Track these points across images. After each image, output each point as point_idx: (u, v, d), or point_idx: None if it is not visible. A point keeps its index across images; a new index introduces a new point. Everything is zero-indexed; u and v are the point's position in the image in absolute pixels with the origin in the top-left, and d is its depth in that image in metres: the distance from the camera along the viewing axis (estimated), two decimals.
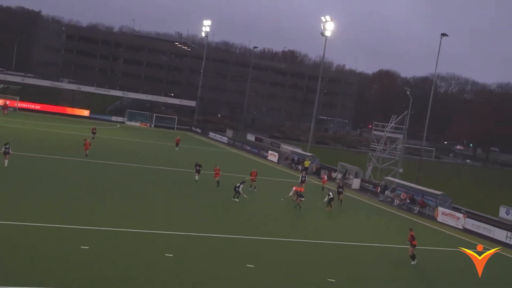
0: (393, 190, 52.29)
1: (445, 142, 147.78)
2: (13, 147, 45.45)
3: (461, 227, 42.99)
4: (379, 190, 53.91)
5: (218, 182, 43.41)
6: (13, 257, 21.56)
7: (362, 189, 57.14)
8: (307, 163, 62.45)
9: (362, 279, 25.78)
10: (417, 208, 47.88)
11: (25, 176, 38.80)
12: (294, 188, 42.58)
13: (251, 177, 46.19)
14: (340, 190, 44.49)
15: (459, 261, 33.03)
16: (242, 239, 29.90)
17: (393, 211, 47.37)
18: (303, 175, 50.72)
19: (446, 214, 45.10)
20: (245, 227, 32.58)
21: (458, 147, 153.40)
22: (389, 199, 51.47)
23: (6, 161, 39.54)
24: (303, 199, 40.19)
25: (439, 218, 45.23)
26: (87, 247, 24.01)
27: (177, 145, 68.97)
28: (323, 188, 49.52)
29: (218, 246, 27.89)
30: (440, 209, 45.90)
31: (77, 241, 24.69)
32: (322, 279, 24.60)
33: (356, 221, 40.60)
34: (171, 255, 24.61)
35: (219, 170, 44.09)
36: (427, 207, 47.55)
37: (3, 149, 40.15)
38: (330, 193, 41.52)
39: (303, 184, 47.44)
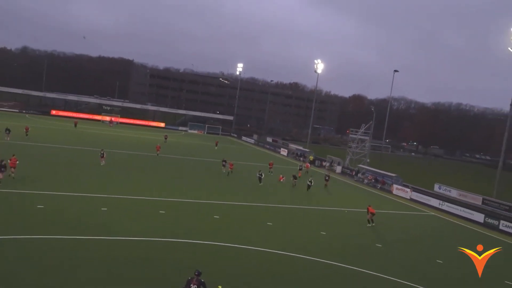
0: (363, 173, 51.71)
1: (387, 140, 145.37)
2: (113, 147, 45.89)
3: (409, 198, 42.34)
4: (354, 173, 53.41)
5: (230, 172, 40.25)
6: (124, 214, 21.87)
7: (343, 173, 56.57)
8: (311, 158, 61.69)
9: (343, 232, 25.52)
10: (379, 185, 47.27)
11: (120, 165, 39.03)
12: (281, 176, 41.28)
13: (269, 165, 45.73)
14: (327, 178, 42.26)
15: (406, 221, 32.62)
16: (262, 206, 29.81)
17: (363, 187, 46.81)
18: (300, 165, 50.09)
19: (399, 189, 44.44)
20: (264, 198, 32.38)
21: (404, 144, 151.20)
22: (360, 179, 50.89)
23: (102, 162, 36.73)
24: (296, 180, 39.13)
25: (394, 192, 44.60)
26: (164, 212, 24.17)
27: (216, 145, 67.37)
28: (307, 171, 48.73)
29: (248, 211, 27.84)
30: (395, 185, 45.25)
31: (156, 207, 24.89)
32: (317, 232, 24.41)
33: (339, 194, 40.21)
34: (218, 217, 24.64)
35: (233, 165, 41.15)
36: (386, 184, 46.91)
37: (100, 154, 37.42)
38: (312, 181, 37.92)
39: (300, 171, 46.35)
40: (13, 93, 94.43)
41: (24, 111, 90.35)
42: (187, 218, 23.76)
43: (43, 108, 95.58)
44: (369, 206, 28.63)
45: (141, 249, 17.91)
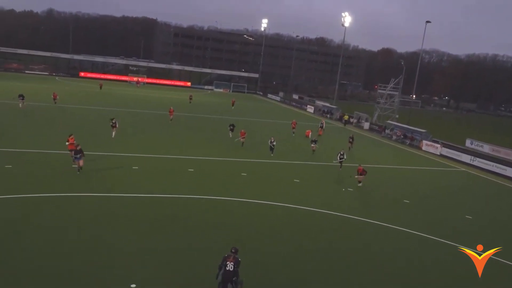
0: (391, 130, 50.77)
1: (413, 96, 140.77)
2: (139, 107, 45.80)
3: (439, 154, 41.49)
4: (382, 129, 52.49)
5: (242, 143, 32.69)
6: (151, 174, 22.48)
7: (370, 129, 55.70)
8: (346, 117, 58.21)
9: (370, 188, 25.37)
10: (408, 141, 46.41)
11: (147, 125, 39.35)
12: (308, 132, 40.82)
13: (292, 125, 42.81)
14: (351, 139, 37.45)
15: (435, 177, 32.09)
16: (288, 163, 29.84)
17: (392, 144, 46.12)
18: (322, 122, 47.34)
19: (428, 145, 43.54)
20: (289, 156, 32.34)
21: (435, 98, 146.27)
22: (389, 136, 50.06)
23: (114, 133, 31.30)
24: (315, 145, 33.22)
25: (424, 148, 43.75)
26: (192, 170, 24.57)
27: (233, 104, 62.45)
28: (324, 129, 45.74)
29: (274, 168, 27.89)
30: (424, 141, 44.32)
31: (185, 165, 25.32)
32: (340, 188, 24.40)
33: (366, 151, 39.63)
34: (245, 174, 24.90)
35: (245, 133, 33.18)
36: (415, 140, 46.00)
37: (110, 123, 31.76)
38: (344, 154, 28.85)
39: (322, 129, 44.62)
40: (42, 56, 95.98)
41: (54, 74, 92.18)
42: (217, 175, 24.10)
43: (71, 70, 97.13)
44: (360, 165, 25.24)
45: (179, 206, 18.42)
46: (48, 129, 32.95)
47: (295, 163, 30.09)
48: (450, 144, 45.21)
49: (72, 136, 24.01)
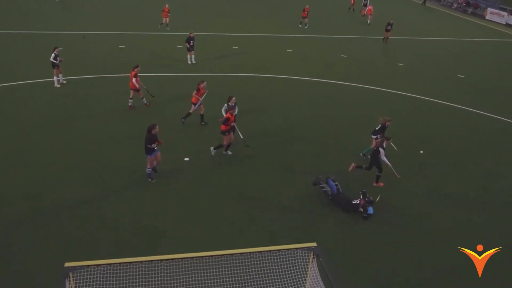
0: None
1: None
2: None
3: (504, 23, 37.91)
4: None
5: (166, 24, 25.80)
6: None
7: None
8: None
9: (421, 62, 24.18)
10: (471, 10, 42.23)
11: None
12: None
13: (302, 14, 29.53)
14: (389, 28, 27.64)
15: (495, 48, 29.77)
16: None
17: (450, 12, 42.26)
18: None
19: (493, 13, 39.61)
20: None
21: None
22: (448, 3, 45.56)
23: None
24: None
25: (487, 17, 39.95)
26: (237, 47, 24.12)
27: None
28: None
29: (323, 43, 26.78)
30: (489, 9, 40.20)
31: (230, 43, 24.73)
32: (394, 63, 23.42)
33: (418, 22, 36.39)
34: (290, 50, 24.20)
35: (168, 12, 18.94)
36: (479, 8, 41.75)
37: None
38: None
39: (365, 8, 34.70)
40: None
41: None
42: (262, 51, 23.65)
43: None
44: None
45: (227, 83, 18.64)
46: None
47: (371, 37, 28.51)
48: None
49: (136, 69, 15.00)
